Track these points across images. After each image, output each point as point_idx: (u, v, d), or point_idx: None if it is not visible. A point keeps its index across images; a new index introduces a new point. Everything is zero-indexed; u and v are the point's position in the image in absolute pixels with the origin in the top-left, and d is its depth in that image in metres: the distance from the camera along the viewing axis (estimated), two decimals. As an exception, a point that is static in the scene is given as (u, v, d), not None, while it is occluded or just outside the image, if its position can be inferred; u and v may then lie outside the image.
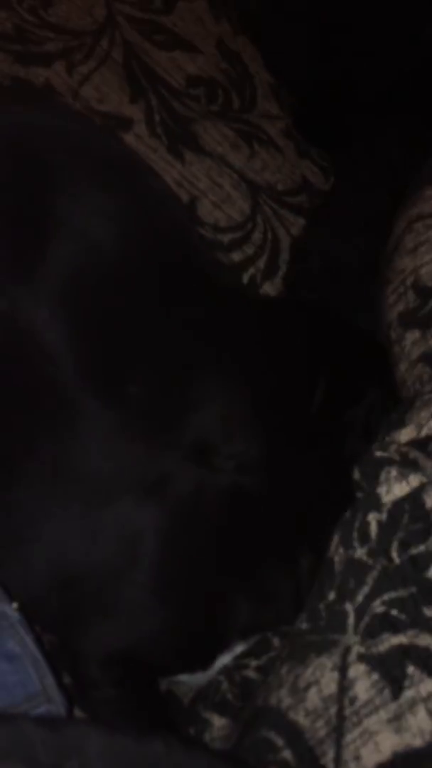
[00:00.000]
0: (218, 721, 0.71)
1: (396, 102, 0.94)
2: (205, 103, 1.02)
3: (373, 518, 0.59)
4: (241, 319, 0.79)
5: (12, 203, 0.75)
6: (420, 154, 0.84)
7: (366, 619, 0.54)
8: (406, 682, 0.50)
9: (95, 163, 0.80)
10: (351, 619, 0.55)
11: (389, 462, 0.63)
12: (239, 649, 0.73)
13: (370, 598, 0.54)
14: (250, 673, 0.73)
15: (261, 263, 0.98)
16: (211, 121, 1.02)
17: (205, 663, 0.70)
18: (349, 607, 0.56)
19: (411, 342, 0.77)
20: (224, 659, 0.73)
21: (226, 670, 0.74)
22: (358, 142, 0.97)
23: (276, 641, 0.74)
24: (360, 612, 0.55)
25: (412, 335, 0.76)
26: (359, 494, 0.65)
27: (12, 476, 0.70)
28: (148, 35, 1.01)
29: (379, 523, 0.58)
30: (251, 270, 0.97)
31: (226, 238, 0.97)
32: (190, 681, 0.73)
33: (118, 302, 0.76)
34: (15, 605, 0.57)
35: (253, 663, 0.73)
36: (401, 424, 0.68)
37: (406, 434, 0.66)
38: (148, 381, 0.76)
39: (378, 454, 0.64)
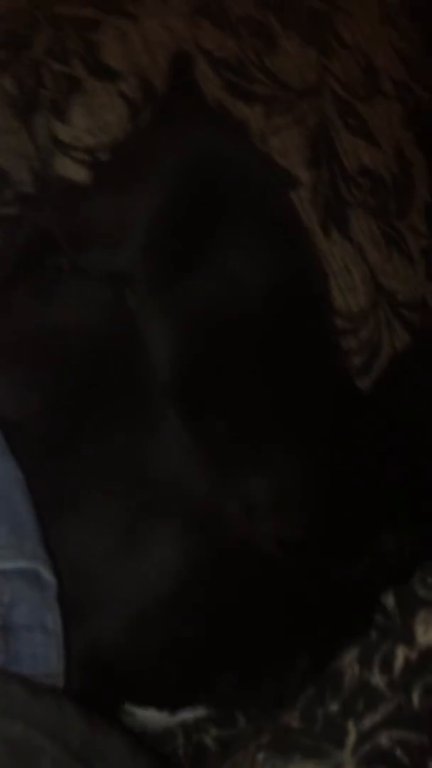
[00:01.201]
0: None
1: None
2: (366, 194, 1.06)
3: (402, 652, 0.60)
4: (337, 406, 0.81)
5: (177, 216, 0.77)
6: None
7: (367, 745, 0.55)
8: None
9: (264, 210, 0.83)
10: (351, 739, 0.56)
11: (429, 604, 0.64)
12: (201, 711, 0.73)
13: (378, 728, 0.55)
14: (208, 740, 0.73)
15: (358, 360, 1.00)
16: (365, 213, 1.05)
17: (177, 705, 0.70)
18: (351, 727, 0.56)
19: None
20: (187, 713, 0.73)
21: (183, 725, 0.74)
22: None
23: (242, 720, 0.74)
24: (363, 736, 0.55)
25: None
26: (381, 618, 0.66)
27: (74, 454, 0.71)
28: (343, 115, 1.05)
29: (407, 660, 0.59)
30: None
31: (337, 322, 0.99)
32: (149, 719, 0.73)
33: (233, 346, 0.78)
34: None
35: (213, 731, 0.73)
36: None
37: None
38: (230, 424, 0.78)
39: (421, 592, 0.65)
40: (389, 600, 0.67)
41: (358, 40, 1.10)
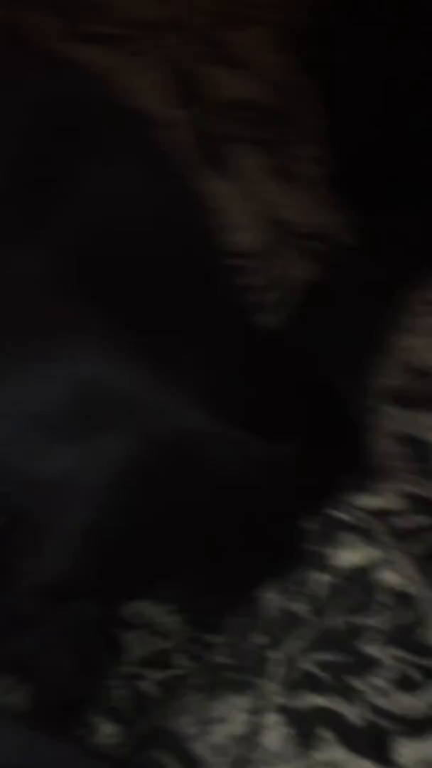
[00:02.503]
0: (106, 728, 0.71)
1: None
2: (251, 128, 1.04)
3: (320, 578, 0.61)
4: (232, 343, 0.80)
5: (35, 161, 0.75)
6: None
7: (293, 673, 0.55)
8: (316, 743, 0.52)
9: (126, 146, 0.81)
10: (277, 668, 0.56)
11: (347, 527, 0.65)
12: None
13: (303, 653, 0.56)
14: (149, 687, 0.72)
15: (272, 297, 0.98)
16: (253, 147, 1.04)
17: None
18: (278, 656, 0.57)
19: (388, 416, 0.80)
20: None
21: (120, 678, 0.73)
22: (392, 211, 0.99)
23: (177, 658, 0.72)
24: (289, 664, 0.56)
25: (392, 410, 0.79)
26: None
27: None
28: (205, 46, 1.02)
29: (326, 585, 0.60)
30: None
31: (232, 262, 0.98)
32: None
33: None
34: None
35: (153, 676, 0.72)
36: (363, 491, 0.70)
37: (367, 502, 0.68)
38: None
39: (336, 515, 0.66)
40: (312, 525, 0.67)
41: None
